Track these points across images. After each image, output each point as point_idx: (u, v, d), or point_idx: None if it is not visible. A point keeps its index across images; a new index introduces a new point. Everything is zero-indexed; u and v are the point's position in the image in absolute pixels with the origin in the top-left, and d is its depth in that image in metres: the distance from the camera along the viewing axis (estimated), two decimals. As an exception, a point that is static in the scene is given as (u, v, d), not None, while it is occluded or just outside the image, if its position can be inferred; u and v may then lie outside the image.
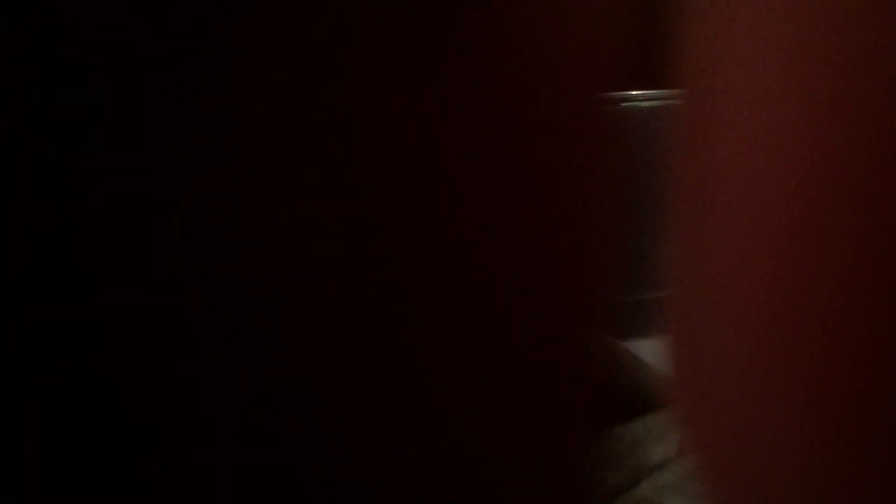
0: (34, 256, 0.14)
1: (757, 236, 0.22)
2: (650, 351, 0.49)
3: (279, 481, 0.15)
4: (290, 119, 0.15)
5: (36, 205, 0.14)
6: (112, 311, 0.14)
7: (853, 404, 0.21)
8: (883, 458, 0.21)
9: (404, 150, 0.16)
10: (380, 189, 0.16)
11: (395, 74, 0.16)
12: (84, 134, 0.14)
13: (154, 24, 0.14)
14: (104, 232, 0.14)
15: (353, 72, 0.15)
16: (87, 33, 0.14)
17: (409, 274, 0.16)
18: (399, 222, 0.16)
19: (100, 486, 0.15)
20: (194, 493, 0.15)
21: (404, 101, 0.16)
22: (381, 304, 0.16)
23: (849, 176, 0.21)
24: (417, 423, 0.16)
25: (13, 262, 0.14)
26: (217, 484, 0.15)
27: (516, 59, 0.17)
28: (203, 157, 0.15)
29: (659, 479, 0.45)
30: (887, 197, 0.20)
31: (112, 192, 0.14)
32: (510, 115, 0.17)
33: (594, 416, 0.21)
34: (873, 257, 0.20)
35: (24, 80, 0.13)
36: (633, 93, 0.62)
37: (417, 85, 0.16)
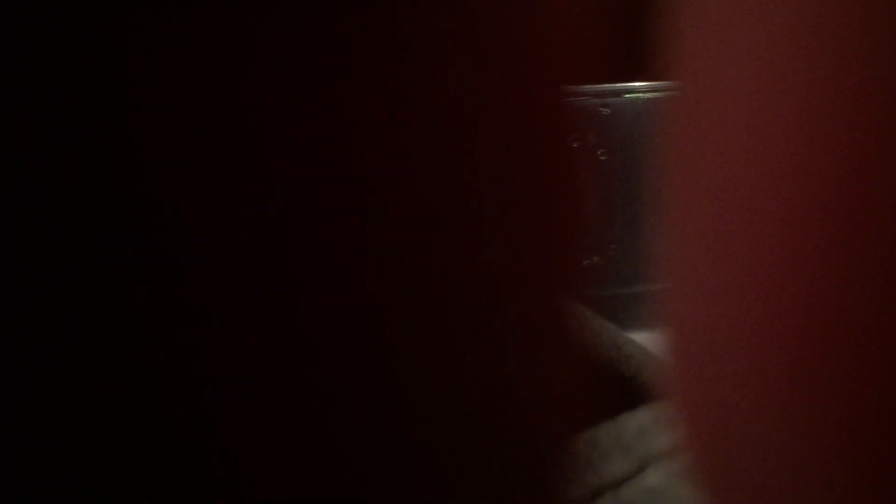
0: (35, 257, 0.14)
1: (753, 228, 0.22)
2: (647, 344, 0.49)
3: (278, 478, 0.15)
4: (276, 117, 0.15)
5: (36, 205, 0.14)
6: (106, 310, 0.14)
7: (853, 401, 0.21)
8: (882, 457, 0.21)
9: (378, 145, 0.16)
10: (356, 183, 0.16)
11: (366, 68, 0.16)
12: (84, 135, 0.14)
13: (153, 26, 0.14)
14: (102, 233, 0.14)
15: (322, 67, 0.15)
16: (88, 34, 0.14)
17: (390, 269, 0.16)
18: (373, 215, 0.16)
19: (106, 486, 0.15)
20: (198, 492, 0.15)
21: (370, 96, 0.16)
22: (360, 296, 0.16)
23: (847, 168, 0.21)
24: (413, 421, 0.16)
25: (12, 263, 0.14)
26: (221, 482, 0.15)
27: (489, 49, 0.17)
28: (207, 157, 0.15)
29: (667, 466, 0.46)
30: (888, 190, 0.20)
31: (110, 194, 0.14)
32: (481, 107, 0.17)
33: (589, 406, 0.21)
34: (875, 251, 0.21)
35: (24, 80, 0.14)
36: (625, 85, 0.62)
37: (382, 75, 0.16)
